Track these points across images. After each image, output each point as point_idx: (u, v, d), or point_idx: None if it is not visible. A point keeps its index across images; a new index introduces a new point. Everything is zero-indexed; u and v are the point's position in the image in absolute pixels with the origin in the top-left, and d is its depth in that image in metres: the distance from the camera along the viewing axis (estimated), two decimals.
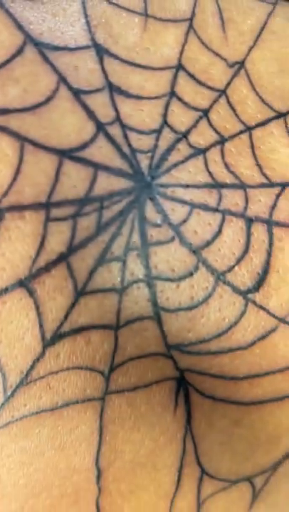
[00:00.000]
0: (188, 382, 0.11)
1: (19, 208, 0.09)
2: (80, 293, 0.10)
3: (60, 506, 0.13)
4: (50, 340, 0.10)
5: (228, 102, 0.11)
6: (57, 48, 0.10)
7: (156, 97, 0.10)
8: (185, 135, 0.11)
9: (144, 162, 0.11)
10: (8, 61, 0.10)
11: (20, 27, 0.10)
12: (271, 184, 0.10)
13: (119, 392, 0.10)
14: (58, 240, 0.10)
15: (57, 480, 0.12)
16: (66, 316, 0.10)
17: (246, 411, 0.13)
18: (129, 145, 0.11)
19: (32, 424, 0.11)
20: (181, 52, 0.11)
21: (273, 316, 0.11)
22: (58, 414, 0.11)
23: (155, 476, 0.13)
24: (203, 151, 0.11)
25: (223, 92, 0.11)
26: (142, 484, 0.13)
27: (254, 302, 0.11)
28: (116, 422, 0.12)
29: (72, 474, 0.12)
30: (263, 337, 0.12)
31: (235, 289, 0.10)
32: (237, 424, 0.13)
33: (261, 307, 0.11)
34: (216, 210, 0.10)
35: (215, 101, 0.11)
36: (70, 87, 0.10)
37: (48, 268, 0.09)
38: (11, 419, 0.11)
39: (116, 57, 0.10)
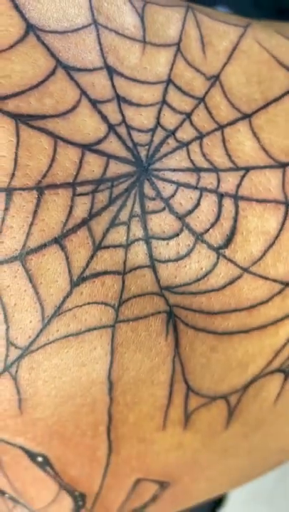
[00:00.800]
0: (176, 315, 0.14)
1: (54, 187, 0.12)
2: (97, 248, 0.13)
3: (81, 414, 0.16)
4: (76, 282, 0.13)
5: (206, 106, 0.14)
6: (79, 70, 0.13)
7: (151, 105, 0.13)
8: (173, 132, 0.13)
9: (142, 153, 0.14)
10: (44, 80, 0.13)
11: (52, 54, 0.13)
12: (237, 168, 0.13)
13: (125, 321, 0.14)
14: (81, 209, 0.13)
15: (79, 391, 0.15)
16: (87, 265, 0.13)
17: (220, 339, 0.16)
18: (132, 140, 0.13)
19: (62, 346, 0.14)
20: (171, 70, 0.14)
21: (239, 266, 0.14)
22: (81, 338, 0.15)
23: (152, 390, 0.16)
24: (186, 144, 0.13)
25: (202, 100, 0.14)
26: (142, 397, 0.16)
27: (224, 256, 0.14)
28: (123, 345, 0.15)
29: (91, 386, 0.15)
30: (231, 282, 0.14)
31: (210, 246, 0.13)
32: (213, 349, 0.16)
33: (230, 260, 0.14)
34: (195, 187, 0.13)
35: (196, 106, 0.14)
36: (89, 99, 0.13)
37: (74, 229, 0.12)
38: (47, 342, 0.14)
39: (122, 75, 0.13)
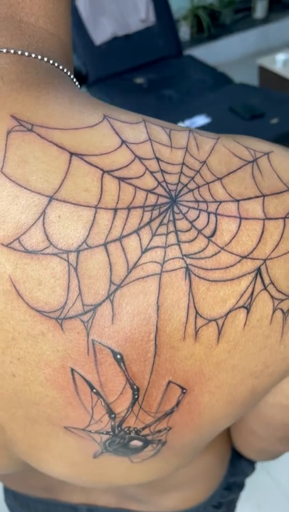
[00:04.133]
0: (190, 270, 0.26)
1: (126, 209, 0.26)
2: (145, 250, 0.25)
3: (141, 325, 0.23)
4: (144, 250, 0.25)
5: (200, 175, 0.27)
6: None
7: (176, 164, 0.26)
8: (186, 185, 0.25)
9: (173, 193, 0.24)
10: (113, 151, 0.24)
11: (117, 133, 0.24)
12: (215, 201, 0.27)
13: (165, 272, 0.25)
14: (136, 221, 0.25)
15: (142, 311, 0.23)
16: (147, 247, 0.25)
17: (212, 284, 0.24)
18: (167, 185, 0.23)
19: (134, 284, 0.23)
20: (184, 156, 0.27)
21: (219, 246, 0.26)
22: (144, 279, 0.24)
23: (178, 312, 0.24)
24: (192, 190, 0.26)
25: (198, 171, 0.27)
26: (173, 315, 0.24)
27: (211, 241, 0.25)
28: (164, 285, 0.23)
29: (148, 308, 0.23)
30: (214, 254, 0.23)
31: (205, 236, 0.25)
32: (208, 290, 0.23)
33: (214, 243, 0.24)
34: (197, 209, 0.24)
35: (197, 173, 0.27)
36: (150, 172, 0.26)
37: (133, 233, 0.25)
38: (128, 281, 0.23)
39: (161, 160, 0.27)
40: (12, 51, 0.25)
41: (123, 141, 0.24)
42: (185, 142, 0.25)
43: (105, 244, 0.23)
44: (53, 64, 0.26)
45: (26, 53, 0.25)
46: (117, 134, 0.24)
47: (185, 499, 0.58)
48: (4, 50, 0.24)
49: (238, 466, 0.73)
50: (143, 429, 0.28)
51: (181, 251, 0.23)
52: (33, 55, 0.25)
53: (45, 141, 0.23)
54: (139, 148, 0.24)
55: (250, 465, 0.77)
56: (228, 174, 0.25)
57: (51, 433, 0.30)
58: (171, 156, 0.24)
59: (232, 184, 0.25)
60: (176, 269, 0.23)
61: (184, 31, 3.24)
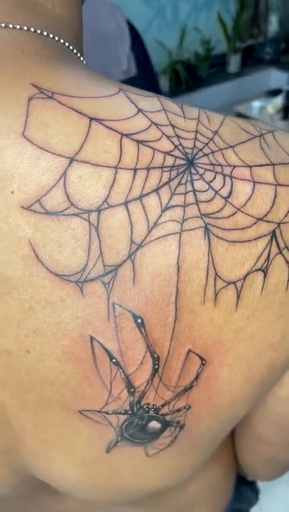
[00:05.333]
0: (208, 229, 0.26)
1: (146, 170, 0.26)
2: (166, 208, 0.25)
3: (162, 286, 0.24)
4: (164, 209, 0.25)
5: (214, 142, 0.28)
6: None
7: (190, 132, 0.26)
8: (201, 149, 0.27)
9: (189, 156, 0.24)
10: (131, 117, 0.25)
11: (133, 103, 0.25)
12: (229, 165, 0.28)
13: (185, 230, 0.25)
14: (156, 181, 0.26)
15: (163, 271, 0.24)
16: (167, 205, 0.26)
17: (230, 245, 0.26)
18: (183, 148, 0.24)
19: (155, 243, 0.23)
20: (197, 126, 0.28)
21: (235, 207, 0.26)
22: (164, 238, 0.24)
23: (198, 272, 0.24)
24: (207, 154, 0.27)
25: (211, 139, 0.29)
26: (193, 277, 0.24)
27: (228, 202, 0.26)
28: (184, 243, 0.24)
29: (168, 268, 0.24)
30: (232, 215, 0.24)
31: (222, 197, 0.26)
32: (227, 250, 0.24)
33: (230, 203, 0.25)
34: (213, 171, 0.27)
35: (209, 140, 0.28)
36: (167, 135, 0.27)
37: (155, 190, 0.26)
38: (150, 240, 0.23)
39: (176, 127, 0.28)
40: (32, 29, 0.26)
41: (139, 110, 0.25)
42: (196, 114, 0.26)
43: (126, 203, 0.23)
44: (68, 47, 0.28)
45: (45, 33, 0.26)
46: (133, 103, 0.25)
47: None
48: (25, 28, 0.26)
49: (243, 494, 0.70)
50: (162, 406, 0.28)
51: (200, 210, 0.24)
52: (51, 36, 0.27)
53: (66, 108, 0.24)
54: (155, 116, 0.25)
55: (254, 494, 0.74)
56: (239, 144, 0.26)
57: (64, 422, 0.29)
58: (185, 124, 0.25)
59: (243, 152, 0.26)
60: (195, 228, 0.24)
61: (164, 84, 3.41)
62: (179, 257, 0.24)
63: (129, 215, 0.23)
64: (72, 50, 0.29)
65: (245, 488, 0.71)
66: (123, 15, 1.79)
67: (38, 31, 0.26)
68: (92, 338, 0.25)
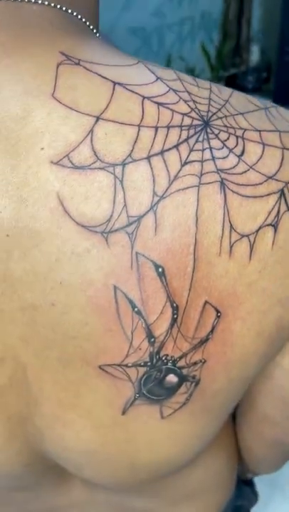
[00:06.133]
0: (224, 183, 0.28)
1: (166, 128, 0.29)
2: (184, 163, 0.27)
3: (181, 237, 0.26)
4: (184, 163, 0.27)
5: (226, 107, 0.31)
6: None
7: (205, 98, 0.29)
8: (215, 113, 0.29)
9: (205, 118, 0.26)
10: (150, 83, 0.27)
11: (152, 72, 0.28)
12: (240, 128, 0.30)
13: (203, 184, 0.28)
14: (174, 138, 0.28)
15: (181, 220, 0.26)
16: (186, 160, 0.27)
17: (243, 199, 0.28)
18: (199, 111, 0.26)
19: (174, 195, 0.25)
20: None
21: (247, 164, 0.29)
22: (183, 191, 0.27)
23: (214, 224, 0.25)
24: (221, 117, 0.29)
25: (224, 105, 0.31)
26: (210, 228, 0.25)
27: (241, 159, 0.29)
28: (201, 196, 0.27)
29: (187, 219, 0.27)
30: (244, 172, 0.27)
31: (235, 155, 0.29)
32: (241, 204, 0.26)
33: (243, 161, 0.28)
34: (226, 132, 0.28)
35: (222, 106, 0.30)
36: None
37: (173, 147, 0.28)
38: (170, 193, 0.25)
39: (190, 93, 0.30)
40: (58, 6, 0.28)
41: (158, 77, 0.28)
42: (208, 85, 0.29)
43: (148, 158, 0.25)
44: (85, 23, 0.30)
45: (70, 10, 0.29)
46: (152, 72, 0.28)
47: None
48: (52, 4, 0.28)
49: (243, 491, 0.70)
50: (179, 358, 0.29)
51: (216, 166, 0.26)
52: (74, 13, 0.29)
53: (91, 73, 0.27)
54: (172, 84, 0.28)
55: (253, 494, 0.75)
56: (248, 112, 0.28)
57: (83, 379, 0.30)
58: (199, 92, 0.28)
59: (252, 119, 0.28)
60: (212, 182, 0.26)
61: None
62: (197, 208, 0.25)
63: (151, 169, 0.25)
64: (89, 26, 0.31)
65: (245, 488, 0.72)
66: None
67: (64, 8, 0.29)
68: (115, 288, 0.26)
